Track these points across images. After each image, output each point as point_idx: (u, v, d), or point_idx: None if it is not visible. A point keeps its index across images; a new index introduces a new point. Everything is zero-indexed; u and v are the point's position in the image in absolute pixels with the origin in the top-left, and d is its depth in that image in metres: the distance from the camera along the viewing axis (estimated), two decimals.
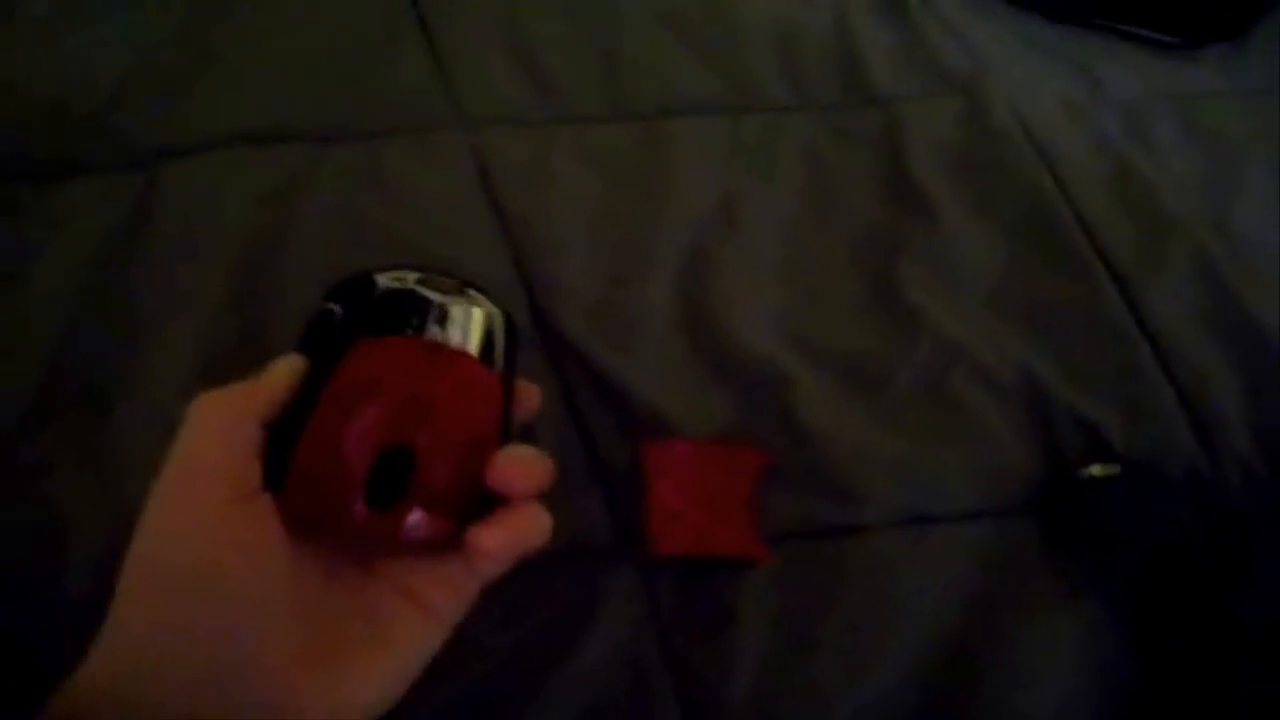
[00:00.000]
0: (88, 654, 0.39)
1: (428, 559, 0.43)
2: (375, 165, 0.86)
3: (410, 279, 0.46)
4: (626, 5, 1.03)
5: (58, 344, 0.74)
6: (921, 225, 0.90)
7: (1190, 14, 1.13)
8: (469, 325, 0.46)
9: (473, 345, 0.46)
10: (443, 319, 0.45)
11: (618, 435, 0.75)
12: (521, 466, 0.43)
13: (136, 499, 0.70)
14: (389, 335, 0.44)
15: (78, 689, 0.38)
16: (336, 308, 0.46)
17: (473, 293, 0.47)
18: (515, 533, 0.42)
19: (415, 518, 0.42)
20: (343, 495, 0.42)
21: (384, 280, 0.46)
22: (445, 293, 0.46)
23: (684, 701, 0.67)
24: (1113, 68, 1.09)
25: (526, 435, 0.46)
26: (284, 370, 0.43)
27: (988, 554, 0.74)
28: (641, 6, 1.03)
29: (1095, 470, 0.76)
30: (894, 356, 0.82)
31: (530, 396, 0.47)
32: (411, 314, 0.45)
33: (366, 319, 0.45)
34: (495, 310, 0.47)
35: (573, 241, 0.84)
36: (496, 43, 0.98)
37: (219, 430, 0.41)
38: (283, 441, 0.43)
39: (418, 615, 0.43)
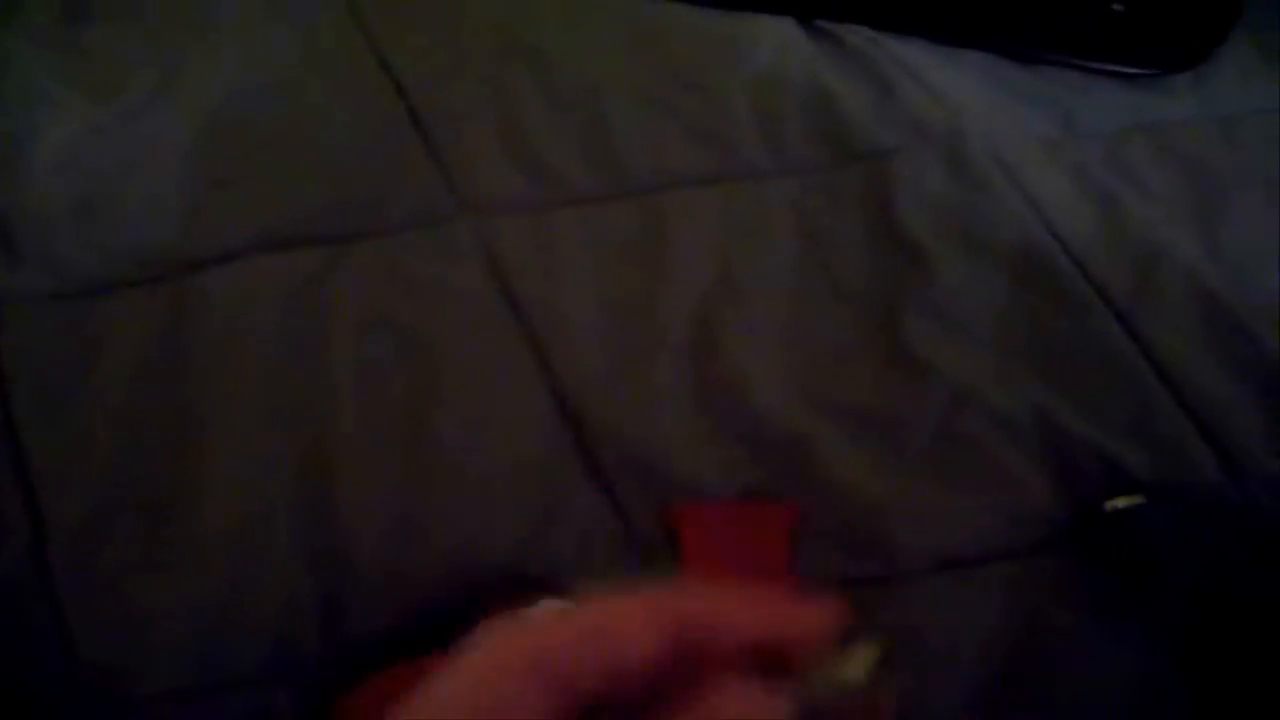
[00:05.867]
0: None
1: None
2: (391, 262, 0.89)
3: None
4: (604, 84, 1.05)
5: (113, 458, 0.77)
6: (918, 275, 0.92)
7: (1153, 44, 1.16)
8: None
9: None
10: None
11: (648, 505, 0.77)
12: None
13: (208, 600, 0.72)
14: None
15: None
16: None
17: None
18: None
19: None
20: None
21: None
22: None
23: None
24: (1085, 103, 1.11)
25: None
26: None
27: (1021, 594, 0.75)
28: (618, 83, 1.05)
29: (1120, 502, 0.77)
30: (906, 405, 0.84)
31: None
32: None
33: None
34: None
35: (584, 322, 0.87)
36: (488, 130, 1.00)
37: None
38: None
39: None
